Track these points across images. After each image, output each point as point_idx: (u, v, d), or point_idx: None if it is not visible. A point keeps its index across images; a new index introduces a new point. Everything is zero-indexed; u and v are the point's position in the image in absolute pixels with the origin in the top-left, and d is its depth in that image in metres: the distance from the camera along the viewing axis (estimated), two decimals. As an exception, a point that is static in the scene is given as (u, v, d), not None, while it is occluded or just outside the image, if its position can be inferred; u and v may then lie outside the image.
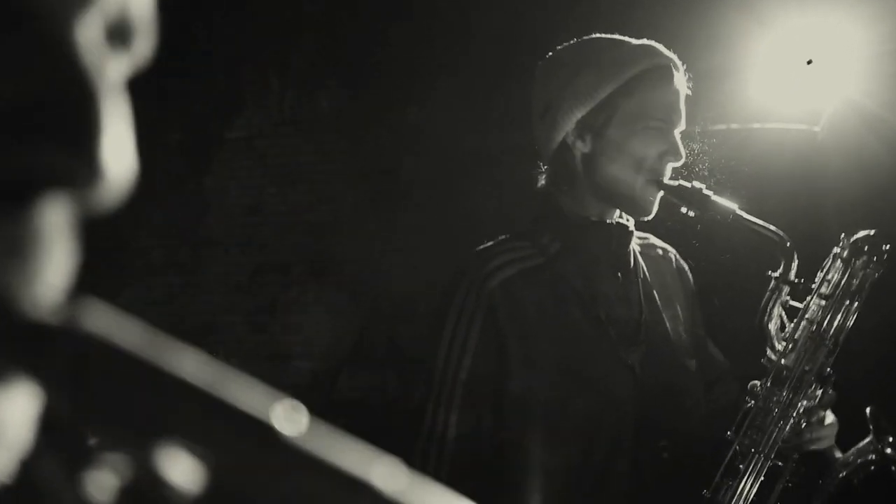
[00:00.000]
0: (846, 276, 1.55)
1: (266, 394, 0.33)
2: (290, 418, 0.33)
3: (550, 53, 1.70)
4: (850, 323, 1.55)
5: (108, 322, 0.32)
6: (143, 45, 0.36)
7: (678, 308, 1.73)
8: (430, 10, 4.16)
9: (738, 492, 1.50)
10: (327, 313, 4.67)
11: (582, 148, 1.62)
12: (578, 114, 1.60)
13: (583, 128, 1.61)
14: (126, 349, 0.31)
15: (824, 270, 1.58)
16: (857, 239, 1.57)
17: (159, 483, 0.32)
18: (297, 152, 4.80)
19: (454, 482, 1.59)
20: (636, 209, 1.62)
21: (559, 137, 1.63)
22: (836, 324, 1.54)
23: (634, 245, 1.71)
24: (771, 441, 1.51)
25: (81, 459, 0.33)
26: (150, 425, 0.31)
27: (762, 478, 1.50)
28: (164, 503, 0.32)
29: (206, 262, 4.90)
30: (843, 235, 1.58)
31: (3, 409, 0.31)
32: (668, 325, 1.68)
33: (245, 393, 0.32)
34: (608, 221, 1.65)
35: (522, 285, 1.58)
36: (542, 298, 1.58)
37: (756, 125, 2.89)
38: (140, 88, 0.36)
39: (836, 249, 1.59)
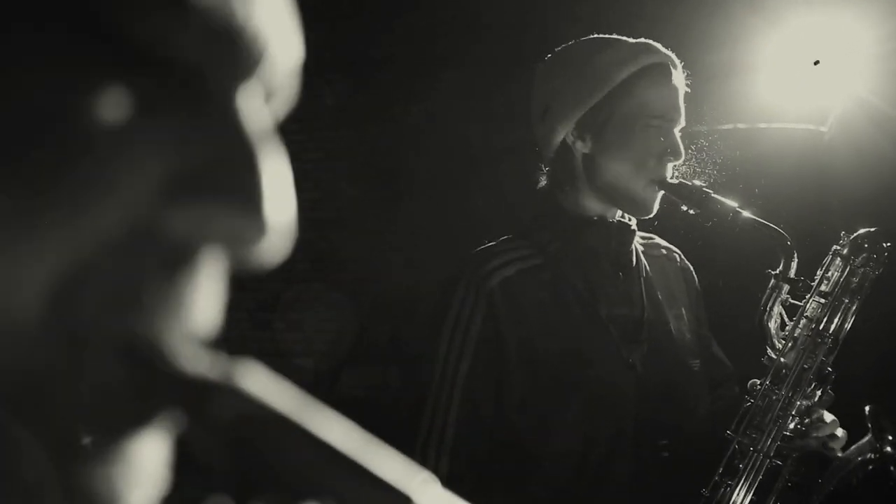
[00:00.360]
0: (846, 273, 1.54)
1: (406, 464, 0.33)
2: (427, 489, 0.33)
3: (549, 55, 1.70)
4: (850, 321, 1.54)
5: (262, 382, 0.33)
6: (283, 102, 0.39)
7: (682, 308, 1.73)
8: (433, 7, 4.16)
9: (737, 491, 1.49)
10: (329, 311, 4.67)
11: (582, 148, 1.62)
12: (577, 114, 1.61)
13: (582, 128, 1.61)
14: (279, 411, 0.32)
15: (824, 268, 1.57)
16: (856, 236, 1.56)
17: None
18: (300, 150, 4.80)
19: (453, 481, 1.59)
20: (637, 208, 1.62)
21: (559, 138, 1.64)
22: (835, 322, 1.53)
23: (637, 244, 1.71)
24: (770, 440, 1.50)
25: None
26: (301, 489, 0.32)
27: (761, 477, 1.49)
28: None
29: (208, 259, 4.91)
30: (843, 233, 1.57)
31: (145, 450, 0.33)
32: (671, 324, 1.68)
33: (388, 463, 0.33)
34: (609, 220, 1.64)
35: (522, 285, 1.57)
36: (542, 298, 1.58)
37: (763, 124, 2.88)
38: None
39: (837, 247, 1.57)
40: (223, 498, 0.35)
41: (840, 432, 1.55)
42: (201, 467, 0.32)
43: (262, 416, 0.32)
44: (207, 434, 0.32)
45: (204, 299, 0.34)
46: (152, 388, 0.31)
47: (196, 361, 0.32)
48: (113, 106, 0.30)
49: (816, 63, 2.86)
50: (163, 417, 0.32)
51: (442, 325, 1.58)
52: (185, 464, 0.35)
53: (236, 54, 0.34)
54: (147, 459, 0.33)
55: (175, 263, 0.33)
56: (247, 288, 4.81)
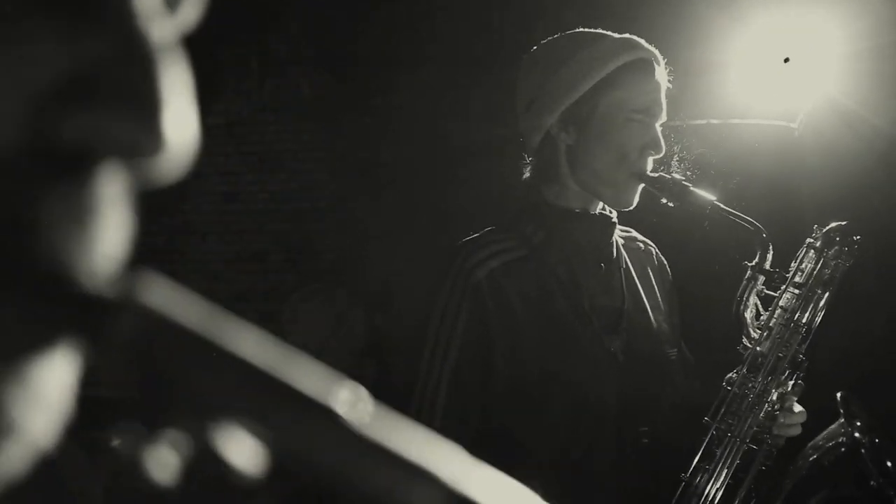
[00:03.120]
0: (819, 265, 1.59)
1: (329, 377, 0.32)
2: (353, 403, 0.32)
3: (535, 47, 1.73)
4: (822, 311, 1.59)
5: (166, 296, 0.31)
6: (191, 10, 0.36)
7: (659, 299, 1.77)
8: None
9: (715, 475, 1.53)
10: (304, 303, 4.66)
11: (566, 140, 1.65)
12: (562, 106, 1.63)
13: (567, 120, 1.64)
14: (185, 325, 0.31)
15: (798, 260, 1.61)
16: (829, 229, 1.60)
17: (219, 462, 0.32)
18: (276, 139, 4.78)
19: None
20: (618, 200, 1.66)
21: (544, 129, 1.66)
22: (808, 312, 1.58)
23: (617, 237, 1.74)
24: (746, 426, 1.54)
25: (142, 437, 0.33)
26: (211, 404, 0.31)
27: (738, 461, 1.53)
28: (224, 482, 0.32)
29: (182, 250, 4.87)
30: (815, 226, 1.62)
31: (45, 376, 0.31)
32: (649, 314, 1.72)
33: (307, 375, 0.32)
34: (591, 213, 1.68)
35: (507, 276, 1.60)
36: (527, 289, 1.60)
37: (735, 121, 2.92)
38: None
39: (810, 240, 1.62)
40: (133, 423, 0.33)
41: (797, 430, 1.59)
42: (109, 391, 0.31)
43: (168, 331, 0.30)
44: (110, 355, 0.30)
45: (106, 218, 0.32)
46: (52, 310, 0.30)
47: (97, 281, 0.31)
48: None
49: (787, 61, 2.91)
50: (64, 340, 0.30)
51: (429, 318, 1.60)
52: (92, 388, 0.34)
53: None
54: (48, 384, 0.31)
55: (72, 178, 0.31)
56: (221, 278, 4.79)
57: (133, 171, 0.33)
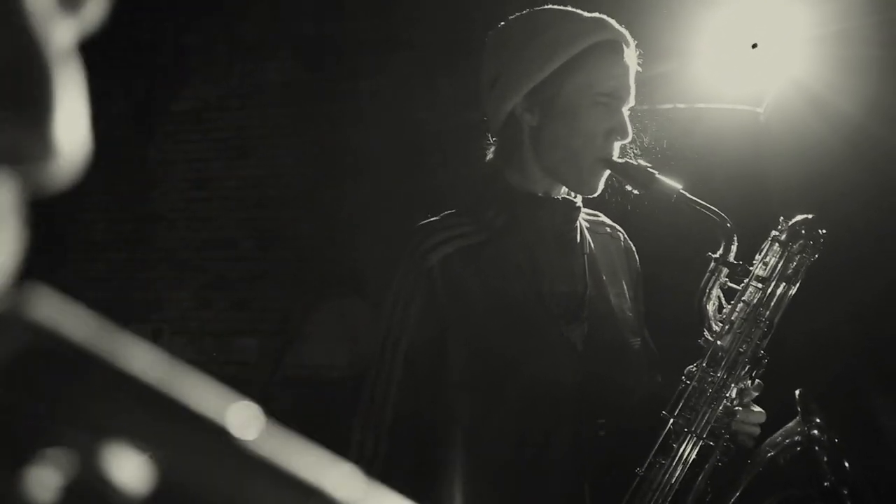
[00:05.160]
0: (783, 259, 1.58)
1: (221, 394, 0.32)
2: (244, 421, 0.32)
3: (501, 24, 1.69)
4: (785, 306, 1.58)
5: (56, 311, 0.30)
6: (94, 10, 0.34)
7: (624, 286, 1.74)
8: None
9: (671, 470, 1.53)
10: (274, 289, 4.64)
11: (530, 121, 1.61)
12: (527, 86, 1.59)
13: (531, 100, 1.60)
14: (75, 341, 0.30)
15: (762, 253, 1.60)
16: (794, 223, 1.59)
17: (105, 482, 0.30)
18: (245, 125, 4.73)
19: (392, 460, 1.60)
20: (582, 186, 1.62)
21: (507, 109, 1.62)
22: (771, 306, 1.56)
23: (583, 221, 1.71)
24: (704, 421, 1.53)
25: (24, 455, 0.31)
26: (98, 422, 0.30)
27: (694, 456, 1.53)
28: (108, 502, 0.31)
29: (150, 238, 4.82)
30: (781, 219, 1.60)
31: None
32: (612, 301, 1.69)
33: (199, 392, 0.31)
34: (554, 197, 1.65)
35: (462, 262, 1.57)
36: (483, 275, 1.58)
37: (702, 105, 2.92)
38: (82, 56, 0.34)
39: (775, 233, 1.60)
40: (15, 444, 0.31)
41: (756, 430, 1.59)
42: None
43: (54, 348, 0.29)
44: None
45: None
46: None
47: None
48: None
49: (755, 46, 2.91)
50: None
51: (383, 304, 1.58)
52: None
53: None
54: None
55: None
56: (189, 266, 4.74)
57: (22, 179, 0.31)
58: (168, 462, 0.31)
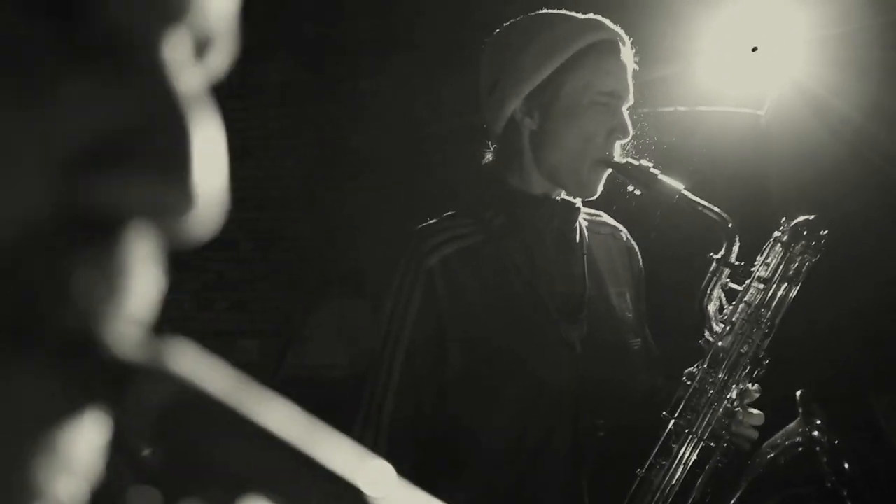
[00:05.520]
0: (785, 260, 1.58)
1: (354, 452, 0.32)
2: (376, 480, 0.32)
3: (498, 30, 1.70)
4: (787, 307, 1.57)
5: (194, 363, 0.31)
6: (220, 56, 0.35)
7: (624, 286, 1.74)
8: (381, -16, 4.12)
9: (671, 471, 1.52)
10: (275, 290, 4.64)
11: (530, 125, 1.62)
12: (526, 90, 1.60)
13: (530, 104, 1.60)
14: (212, 394, 0.30)
15: (764, 254, 1.60)
16: (796, 223, 1.59)
17: None
18: (245, 126, 4.72)
19: (391, 460, 1.60)
20: (581, 189, 1.63)
21: (507, 114, 1.63)
22: (772, 307, 1.56)
23: (582, 221, 1.71)
24: (705, 422, 1.53)
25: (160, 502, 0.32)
26: (234, 476, 0.30)
27: (695, 457, 1.52)
28: None
29: (150, 238, 4.82)
30: (783, 220, 1.60)
31: (76, 440, 0.31)
32: (612, 302, 1.69)
33: (333, 449, 0.31)
34: (553, 198, 1.65)
35: (462, 263, 1.57)
36: (483, 275, 1.58)
37: (703, 108, 2.92)
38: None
39: (777, 233, 1.60)
40: (151, 491, 0.32)
41: (754, 434, 1.59)
42: (132, 458, 0.31)
43: (195, 401, 0.30)
44: (135, 421, 0.30)
45: (137, 279, 0.32)
46: (84, 376, 0.30)
47: (128, 346, 0.30)
48: (23, 65, 0.28)
49: (755, 49, 2.91)
50: (95, 406, 0.30)
51: (383, 305, 1.59)
52: (119, 454, 0.33)
53: (160, 1, 0.31)
54: (77, 449, 0.31)
55: (102, 241, 0.30)
56: (190, 268, 4.74)
57: (163, 231, 0.32)
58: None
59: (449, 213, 1.67)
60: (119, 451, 0.32)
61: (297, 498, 0.31)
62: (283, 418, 0.31)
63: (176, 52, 0.32)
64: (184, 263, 4.93)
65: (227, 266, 4.72)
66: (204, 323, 4.68)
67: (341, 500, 0.31)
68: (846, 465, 1.53)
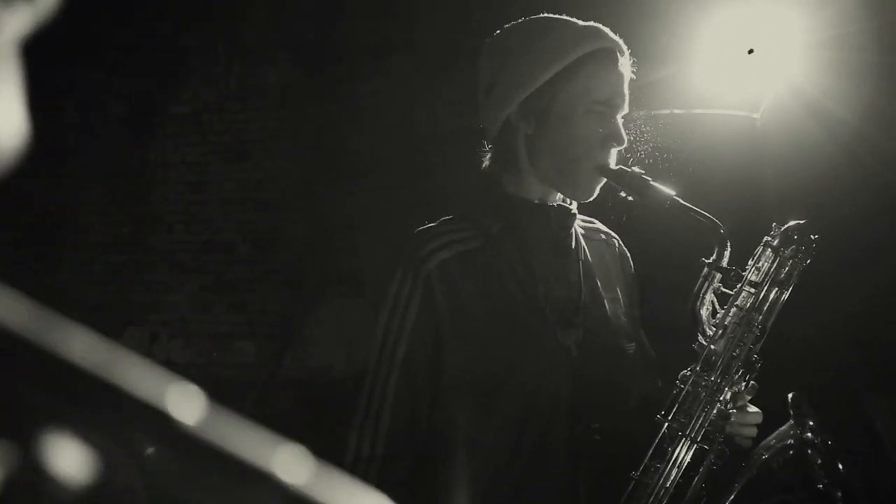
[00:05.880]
0: (775, 264, 1.59)
1: (162, 377, 0.31)
2: (186, 404, 0.31)
3: (497, 32, 1.70)
4: (778, 310, 1.59)
5: None
6: (32, 9, 0.33)
7: (618, 292, 1.76)
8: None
9: (666, 473, 1.54)
10: (273, 292, 4.64)
11: (526, 129, 1.63)
12: (523, 94, 1.61)
13: (527, 109, 1.61)
14: (11, 328, 0.29)
15: (755, 258, 1.61)
16: (787, 228, 1.60)
17: (43, 474, 0.30)
18: (244, 128, 4.73)
19: (388, 463, 1.61)
20: (577, 192, 1.64)
21: (503, 117, 1.64)
22: (764, 311, 1.58)
23: (578, 227, 1.73)
24: (698, 425, 1.54)
25: None
26: (36, 411, 0.29)
27: (689, 460, 1.54)
28: (48, 496, 0.30)
29: (149, 240, 4.82)
30: (774, 224, 1.62)
31: None
32: (607, 307, 1.71)
33: (140, 376, 0.30)
34: (550, 204, 1.66)
35: (460, 267, 1.59)
36: (480, 280, 1.59)
37: (699, 111, 2.93)
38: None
39: (768, 238, 1.62)
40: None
41: (753, 431, 1.60)
42: None
43: None
44: None
45: None
46: None
47: None
48: None
49: (751, 52, 2.92)
50: None
51: (381, 309, 1.60)
52: None
53: None
54: None
55: None
56: (188, 269, 4.74)
57: None
58: (108, 451, 0.30)
59: (446, 217, 1.68)
60: None
61: (103, 429, 0.30)
62: (85, 347, 0.30)
63: None
64: (182, 265, 4.94)
65: (226, 267, 4.72)
66: (202, 324, 4.69)
67: (149, 426, 0.30)
68: (838, 467, 1.54)
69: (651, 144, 1.85)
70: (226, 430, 0.32)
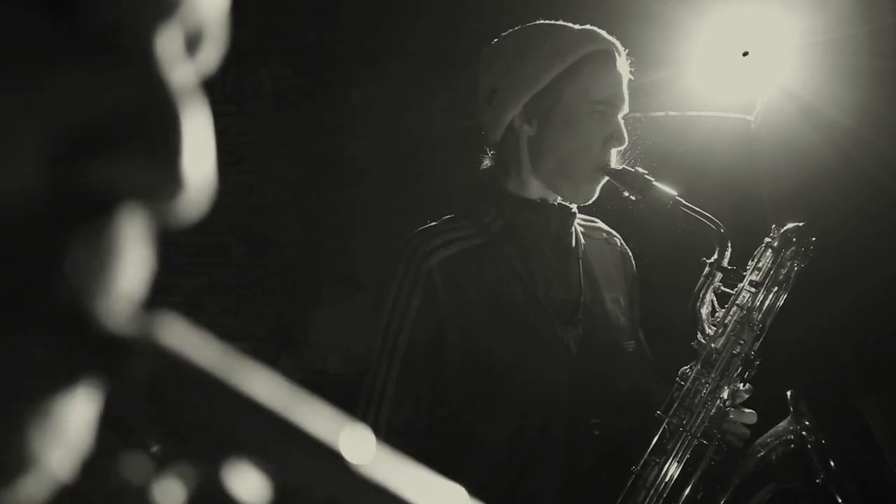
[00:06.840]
0: (775, 265, 1.61)
1: (335, 418, 0.33)
2: (357, 444, 0.33)
3: (495, 39, 1.72)
4: (777, 310, 1.61)
5: (182, 336, 0.32)
6: (212, 52, 0.37)
7: (618, 291, 1.78)
8: (374, -9, 4.14)
9: (665, 469, 1.55)
10: (267, 295, 4.64)
11: (528, 131, 1.65)
12: (524, 98, 1.63)
13: (529, 111, 1.64)
14: (200, 366, 0.32)
15: (755, 259, 1.64)
16: (786, 230, 1.63)
17: (225, 495, 0.33)
18: (238, 132, 4.73)
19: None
20: (578, 195, 1.66)
21: (506, 120, 1.66)
22: (763, 310, 1.60)
23: (578, 227, 1.74)
24: (698, 421, 1.56)
25: (150, 468, 0.34)
26: (220, 442, 0.32)
27: (688, 456, 1.56)
28: None
29: (143, 243, 4.81)
30: (773, 226, 1.64)
31: (67, 413, 0.32)
32: (607, 306, 1.72)
33: (315, 416, 0.33)
34: (551, 203, 1.68)
35: (462, 264, 1.60)
36: (482, 277, 1.61)
37: (693, 113, 2.95)
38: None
39: (768, 239, 1.64)
40: (142, 458, 0.35)
41: (747, 432, 1.62)
42: (122, 427, 0.32)
43: (182, 371, 0.32)
44: (125, 393, 0.31)
45: (128, 258, 0.33)
46: (77, 350, 0.31)
47: (119, 321, 0.32)
48: (21, 56, 0.29)
49: (745, 54, 2.94)
50: (87, 380, 0.32)
51: (382, 306, 1.61)
52: (109, 424, 0.35)
53: None
54: (70, 420, 0.32)
55: (94, 221, 0.32)
56: (183, 273, 4.73)
57: (153, 213, 0.34)
58: (283, 481, 0.33)
59: (448, 216, 1.70)
60: (109, 423, 0.34)
61: (281, 463, 0.32)
62: (267, 387, 0.33)
63: (168, 46, 0.33)
64: (176, 268, 4.93)
65: (220, 271, 4.72)
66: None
67: (321, 463, 0.32)
68: (835, 463, 1.56)
69: (645, 146, 1.87)
70: (391, 470, 0.34)
